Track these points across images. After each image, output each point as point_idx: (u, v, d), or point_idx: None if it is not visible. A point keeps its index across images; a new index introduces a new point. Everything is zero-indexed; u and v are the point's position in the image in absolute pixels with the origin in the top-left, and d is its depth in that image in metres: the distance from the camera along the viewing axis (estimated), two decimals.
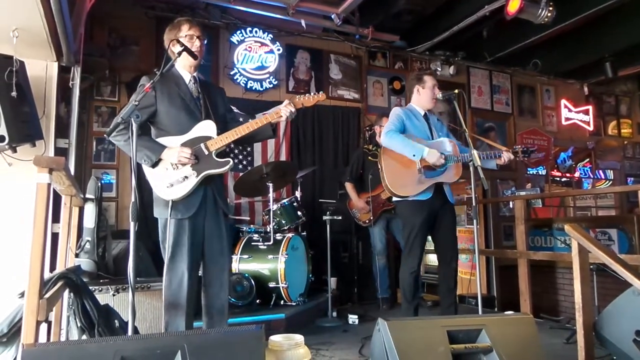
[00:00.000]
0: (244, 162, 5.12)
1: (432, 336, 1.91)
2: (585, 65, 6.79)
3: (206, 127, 2.36)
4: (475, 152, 2.87)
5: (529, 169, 7.13)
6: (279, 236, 3.94)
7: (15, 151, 2.88)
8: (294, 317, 3.56)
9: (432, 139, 3.25)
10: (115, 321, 2.42)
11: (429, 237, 3.32)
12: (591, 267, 2.64)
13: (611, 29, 5.68)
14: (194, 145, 2.31)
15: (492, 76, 6.92)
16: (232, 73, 5.21)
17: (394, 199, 3.33)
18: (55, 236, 2.55)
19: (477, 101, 6.78)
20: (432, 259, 5.22)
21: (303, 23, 5.22)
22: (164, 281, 2.26)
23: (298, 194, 4.43)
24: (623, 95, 8.24)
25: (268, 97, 5.33)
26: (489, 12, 4.88)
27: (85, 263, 3.28)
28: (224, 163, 2.34)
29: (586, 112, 7.69)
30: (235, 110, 4.61)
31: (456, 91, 3.17)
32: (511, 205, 6.19)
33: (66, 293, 2.37)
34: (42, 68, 3.26)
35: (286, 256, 3.80)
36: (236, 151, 5.00)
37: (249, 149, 5.08)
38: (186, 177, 2.29)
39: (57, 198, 2.69)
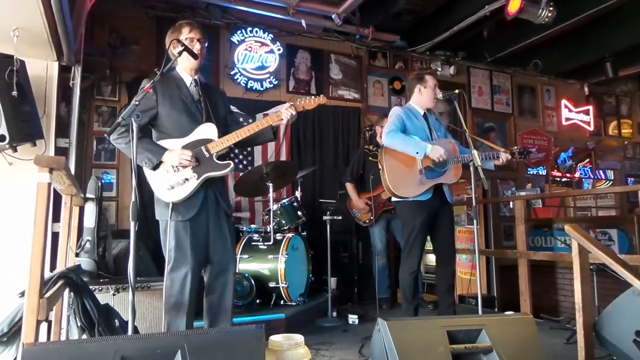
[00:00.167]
0: (244, 162, 5.12)
1: (432, 336, 1.91)
2: (586, 65, 6.78)
3: (207, 130, 2.37)
4: (475, 152, 2.88)
5: (529, 169, 7.12)
6: (279, 236, 3.94)
7: (15, 150, 2.89)
8: (294, 317, 3.56)
9: (431, 138, 3.25)
10: (116, 321, 2.42)
11: (429, 238, 3.33)
12: (591, 267, 2.64)
13: (612, 29, 5.68)
14: (195, 147, 2.32)
15: (492, 76, 6.91)
16: (232, 73, 5.21)
17: (394, 199, 3.33)
18: (55, 236, 2.55)
19: (478, 101, 6.77)
20: (432, 259, 5.19)
21: (303, 23, 5.22)
22: (165, 282, 2.26)
23: (298, 194, 4.43)
24: (623, 96, 8.24)
25: (268, 97, 5.33)
26: (489, 12, 4.87)
27: (86, 262, 3.28)
28: (224, 165, 2.35)
29: (586, 112, 7.68)
30: (235, 110, 4.61)
31: (456, 91, 3.17)
32: (511, 206, 6.18)
33: (66, 292, 2.37)
34: (42, 67, 3.27)
35: (286, 256, 3.80)
36: (236, 151, 5.00)
37: (249, 149, 5.08)
38: (187, 179, 2.29)
39: (57, 197, 2.70)
